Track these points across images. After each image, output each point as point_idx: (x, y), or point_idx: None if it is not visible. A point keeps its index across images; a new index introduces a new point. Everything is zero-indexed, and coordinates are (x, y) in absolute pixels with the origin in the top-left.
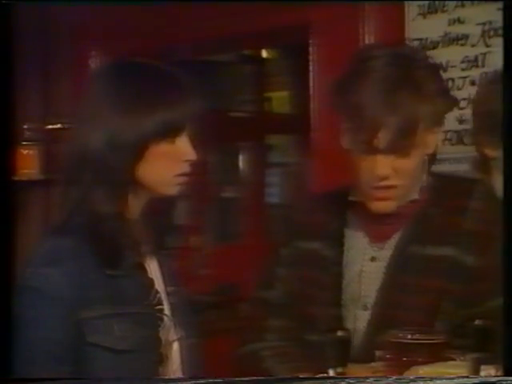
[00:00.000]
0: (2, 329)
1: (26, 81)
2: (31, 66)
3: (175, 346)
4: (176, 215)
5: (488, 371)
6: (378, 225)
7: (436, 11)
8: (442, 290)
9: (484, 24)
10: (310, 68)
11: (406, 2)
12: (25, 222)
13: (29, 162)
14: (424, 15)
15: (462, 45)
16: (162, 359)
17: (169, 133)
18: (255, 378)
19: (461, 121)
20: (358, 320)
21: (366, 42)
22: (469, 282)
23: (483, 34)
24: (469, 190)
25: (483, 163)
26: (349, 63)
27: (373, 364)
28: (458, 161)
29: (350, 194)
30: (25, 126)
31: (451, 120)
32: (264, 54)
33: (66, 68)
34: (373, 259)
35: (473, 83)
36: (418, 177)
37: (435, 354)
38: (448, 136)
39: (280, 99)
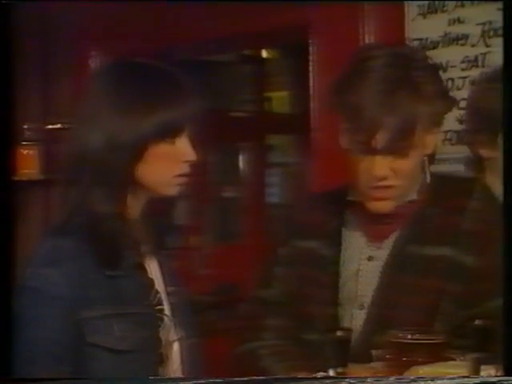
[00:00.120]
0: (2, 329)
1: (26, 81)
2: (31, 66)
3: (175, 346)
4: (176, 215)
5: (488, 371)
6: (375, 224)
7: (436, 11)
8: (439, 290)
9: (484, 24)
10: (310, 68)
11: (405, 2)
12: (25, 222)
13: (29, 162)
14: (424, 15)
15: (462, 45)
16: (162, 359)
17: (169, 133)
18: (255, 377)
19: (460, 121)
20: (355, 319)
21: (366, 41)
22: (467, 282)
23: (483, 33)
24: (467, 190)
25: (478, 163)
26: (348, 63)
27: (373, 364)
28: (457, 161)
29: (349, 193)
30: (25, 126)
31: (451, 120)
32: (264, 53)
33: (66, 68)
34: (370, 258)
35: (473, 83)
36: (417, 177)
37: (435, 354)
38: (448, 136)
39: (280, 99)
